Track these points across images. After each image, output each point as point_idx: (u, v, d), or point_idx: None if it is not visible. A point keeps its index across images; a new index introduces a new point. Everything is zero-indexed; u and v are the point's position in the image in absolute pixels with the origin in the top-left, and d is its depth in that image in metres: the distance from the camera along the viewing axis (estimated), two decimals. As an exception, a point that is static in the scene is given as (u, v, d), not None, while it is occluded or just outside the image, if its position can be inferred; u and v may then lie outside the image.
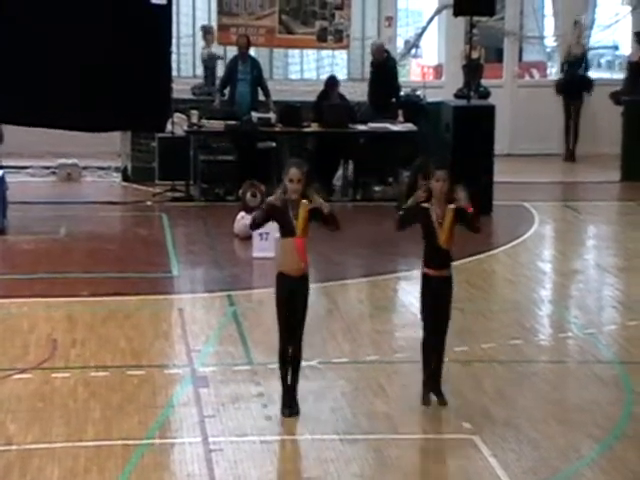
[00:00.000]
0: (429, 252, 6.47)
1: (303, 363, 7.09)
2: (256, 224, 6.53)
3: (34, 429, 6.14)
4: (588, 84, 15.27)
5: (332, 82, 13.41)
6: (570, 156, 15.41)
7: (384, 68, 13.35)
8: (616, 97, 15.00)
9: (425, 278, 6.49)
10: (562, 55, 15.63)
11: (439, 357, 6.53)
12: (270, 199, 6.38)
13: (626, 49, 16.46)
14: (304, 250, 6.33)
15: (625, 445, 6.06)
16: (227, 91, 13.54)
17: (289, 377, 6.37)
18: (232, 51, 14.06)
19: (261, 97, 13.47)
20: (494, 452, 5.90)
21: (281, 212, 6.28)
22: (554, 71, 16.01)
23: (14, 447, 5.90)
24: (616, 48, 17.33)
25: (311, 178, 6.42)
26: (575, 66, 15.25)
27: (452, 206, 6.39)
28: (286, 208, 6.28)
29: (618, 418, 6.42)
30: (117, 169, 13.94)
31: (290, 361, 6.35)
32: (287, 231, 6.33)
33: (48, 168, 13.93)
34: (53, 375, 6.97)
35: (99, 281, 9.24)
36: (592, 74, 16.88)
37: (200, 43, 14.79)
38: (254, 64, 13.52)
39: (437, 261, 6.46)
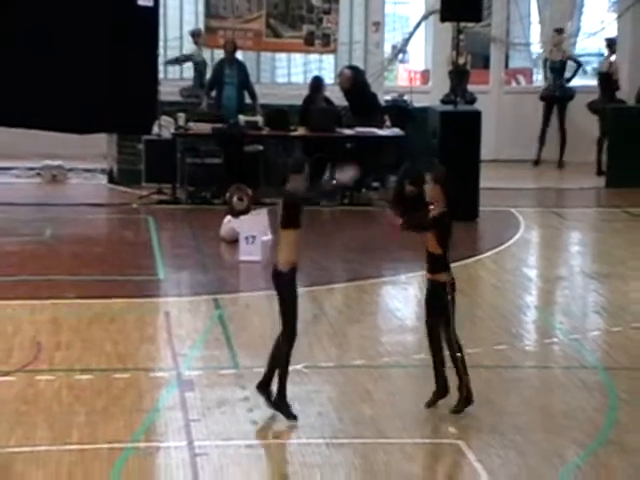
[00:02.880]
0: (426, 256, 6.57)
1: (290, 367, 7.10)
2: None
3: (17, 432, 6.11)
4: (568, 93, 15.34)
5: (317, 83, 13.39)
6: (538, 162, 15.46)
7: (355, 91, 13.33)
8: (592, 107, 15.08)
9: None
10: (542, 62, 15.73)
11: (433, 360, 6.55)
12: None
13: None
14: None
15: (609, 451, 6.08)
16: (214, 94, 13.55)
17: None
18: (219, 54, 14.05)
19: (248, 100, 13.47)
20: (479, 457, 5.91)
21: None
22: (540, 78, 16.08)
23: (-2, 450, 5.88)
24: (601, 55, 17.41)
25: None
26: (556, 74, 15.35)
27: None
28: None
29: (602, 424, 6.44)
30: (103, 171, 13.90)
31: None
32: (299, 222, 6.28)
33: (33, 169, 13.88)
34: (37, 378, 6.93)
35: (84, 284, 9.21)
36: (577, 81, 16.99)
37: (187, 45, 14.77)
38: (241, 67, 13.53)
39: (427, 265, 6.51)
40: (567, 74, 15.35)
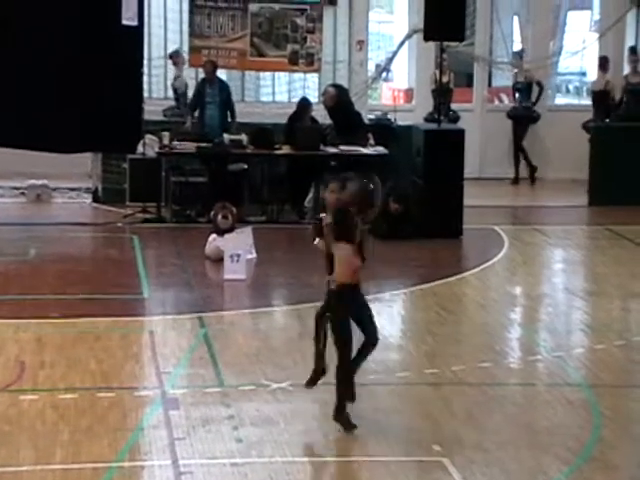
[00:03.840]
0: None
1: (273, 385, 7.10)
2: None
3: (1, 452, 6.07)
4: (532, 114, 15.49)
5: (305, 104, 13.47)
6: (517, 180, 15.60)
7: (339, 110, 13.39)
8: (587, 127, 15.21)
9: None
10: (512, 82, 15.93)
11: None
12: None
13: (593, 75, 16.69)
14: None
15: (593, 468, 6.09)
16: (197, 114, 13.58)
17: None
18: (203, 74, 14.08)
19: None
20: (463, 475, 5.92)
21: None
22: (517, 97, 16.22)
23: (-19, 470, 5.85)
24: (584, 74, 17.56)
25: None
26: (521, 94, 15.52)
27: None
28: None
29: (586, 441, 6.46)
30: (88, 190, 13.89)
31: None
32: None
33: (17, 189, 13.85)
34: (21, 397, 6.90)
35: (69, 303, 9.19)
36: (560, 100, 17.13)
37: (171, 64, 14.81)
38: (222, 87, 13.56)
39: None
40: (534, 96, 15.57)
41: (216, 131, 13.11)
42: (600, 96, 15.36)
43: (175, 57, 14.59)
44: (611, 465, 6.13)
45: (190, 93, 14.09)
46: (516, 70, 15.67)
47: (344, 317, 6.38)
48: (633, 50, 15.58)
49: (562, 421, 6.78)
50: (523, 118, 15.55)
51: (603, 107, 15.21)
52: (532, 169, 15.61)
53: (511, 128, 15.62)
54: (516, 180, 15.59)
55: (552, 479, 5.94)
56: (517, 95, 15.72)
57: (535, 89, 15.51)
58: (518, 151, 15.63)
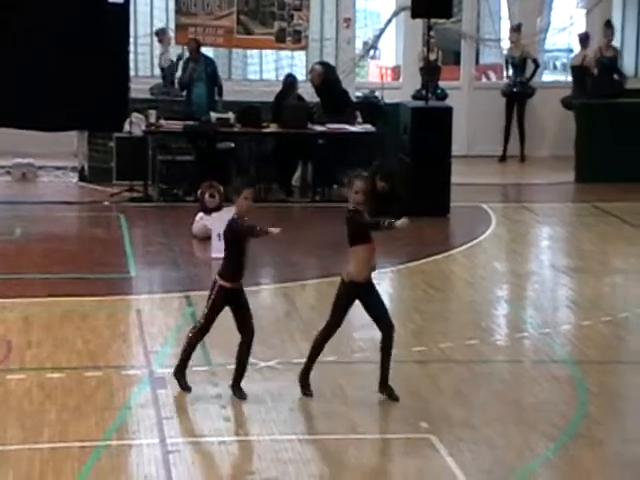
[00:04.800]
0: None
1: (262, 364, 7.12)
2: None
3: (-12, 432, 6.08)
4: (528, 90, 15.43)
5: (291, 80, 13.41)
6: (504, 158, 15.55)
7: (326, 87, 13.35)
8: (566, 102, 15.20)
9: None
10: (504, 59, 15.85)
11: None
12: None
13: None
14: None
15: (579, 444, 6.14)
16: (184, 93, 13.52)
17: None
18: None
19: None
20: (451, 452, 5.95)
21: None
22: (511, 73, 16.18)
23: (-32, 450, 5.84)
24: (571, 51, 17.53)
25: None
26: (516, 70, 15.47)
27: None
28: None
29: (573, 417, 6.50)
30: (74, 169, 13.82)
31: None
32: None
33: (3, 168, 13.77)
34: (8, 377, 6.89)
35: (55, 282, 9.16)
36: (547, 77, 17.08)
37: (157, 42, 14.72)
38: (208, 63, 13.49)
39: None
40: (528, 72, 15.47)
41: (204, 109, 13.05)
42: (578, 71, 15.34)
43: (161, 35, 14.51)
44: (597, 441, 6.17)
45: (178, 72, 14.01)
46: (511, 45, 15.55)
47: (341, 307, 6.58)
48: (608, 24, 15.56)
49: (548, 398, 6.81)
50: (519, 95, 15.39)
51: (581, 82, 15.19)
52: (523, 147, 15.57)
53: (505, 105, 15.43)
54: (504, 158, 15.56)
55: (539, 455, 5.98)
56: (511, 71, 15.56)
57: (530, 65, 15.43)
58: (510, 129, 15.51)
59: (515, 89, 15.42)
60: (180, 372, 6.71)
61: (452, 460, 5.86)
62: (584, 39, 15.47)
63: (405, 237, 11.09)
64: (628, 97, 15.05)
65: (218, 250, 9.97)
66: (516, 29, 15.50)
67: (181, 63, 13.98)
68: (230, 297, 6.60)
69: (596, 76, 15.14)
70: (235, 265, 6.58)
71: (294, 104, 13.18)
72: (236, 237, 6.58)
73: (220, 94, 13.43)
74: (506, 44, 16.05)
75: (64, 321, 8.12)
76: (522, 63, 15.42)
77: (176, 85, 13.92)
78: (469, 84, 16.18)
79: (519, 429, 6.31)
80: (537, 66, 15.47)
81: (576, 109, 14.71)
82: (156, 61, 14.78)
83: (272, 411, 6.41)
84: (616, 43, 15.69)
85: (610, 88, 15.05)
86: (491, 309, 9.01)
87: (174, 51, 14.53)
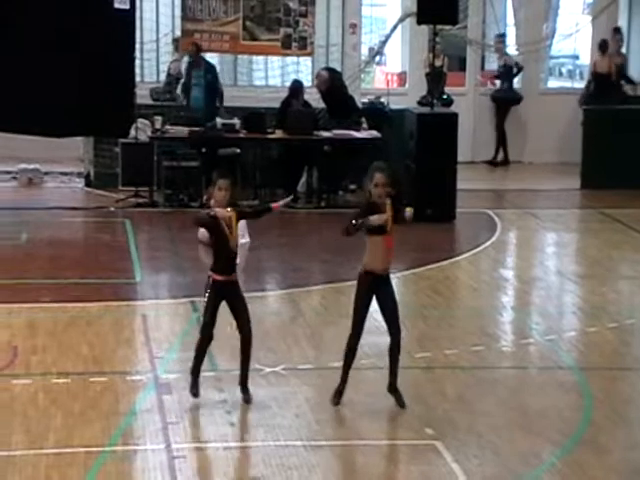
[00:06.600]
0: None
1: (267, 369, 7.12)
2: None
3: (-6, 437, 6.08)
4: (513, 96, 15.54)
5: (297, 86, 13.43)
6: (494, 162, 15.61)
7: (332, 93, 13.37)
8: (581, 101, 15.28)
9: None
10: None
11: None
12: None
13: (586, 58, 16.67)
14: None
15: (584, 450, 6.13)
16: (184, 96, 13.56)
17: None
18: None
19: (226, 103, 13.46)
20: (456, 458, 5.94)
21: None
22: (516, 80, 16.20)
23: (-26, 455, 5.85)
24: (576, 57, 17.54)
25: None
26: (504, 77, 15.54)
27: None
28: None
29: (578, 423, 6.49)
30: (80, 174, 13.85)
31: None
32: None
33: (9, 173, 13.81)
34: (13, 382, 6.90)
35: (61, 287, 9.17)
36: (552, 83, 17.11)
37: (163, 48, 14.74)
38: (208, 69, 13.52)
39: None
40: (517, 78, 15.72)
41: (201, 113, 13.07)
42: (602, 78, 15.37)
43: (178, 42, 14.49)
44: (602, 447, 6.16)
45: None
46: (495, 53, 15.78)
47: (360, 299, 6.46)
48: (617, 30, 15.59)
49: (554, 404, 6.80)
50: (505, 100, 15.62)
51: (603, 89, 15.24)
52: (506, 153, 15.70)
53: (495, 111, 15.70)
54: (494, 162, 15.69)
55: (544, 462, 5.97)
56: (501, 78, 15.80)
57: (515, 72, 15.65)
58: (499, 132, 15.69)
59: (500, 95, 15.65)
60: (193, 375, 6.64)
61: (457, 466, 5.85)
62: (603, 45, 15.49)
63: (411, 242, 11.12)
64: (635, 104, 15.06)
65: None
66: (500, 37, 15.71)
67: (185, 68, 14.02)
68: (224, 290, 6.53)
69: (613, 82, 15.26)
70: (221, 257, 6.54)
71: (299, 110, 13.19)
72: (208, 230, 6.59)
73: (221, 101, 13.45)
74: (511, 50, 16.10)
75: (70, 326, 8.13)
76: (509, 71, 15.55)
77: (179, 90, 13.96)
78: (474, 90, 16.19)
79: (524, 435, 6.30)
80: (519, 70, 15.66)
81: (584, 115, 14.71)
82: (162, 67, 14.80)
83: (277, 417, 6.41)
84: (622, 49, 15.71)
85: (618, 94, 15.12)
86: (496, 315, 9.00)
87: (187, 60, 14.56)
